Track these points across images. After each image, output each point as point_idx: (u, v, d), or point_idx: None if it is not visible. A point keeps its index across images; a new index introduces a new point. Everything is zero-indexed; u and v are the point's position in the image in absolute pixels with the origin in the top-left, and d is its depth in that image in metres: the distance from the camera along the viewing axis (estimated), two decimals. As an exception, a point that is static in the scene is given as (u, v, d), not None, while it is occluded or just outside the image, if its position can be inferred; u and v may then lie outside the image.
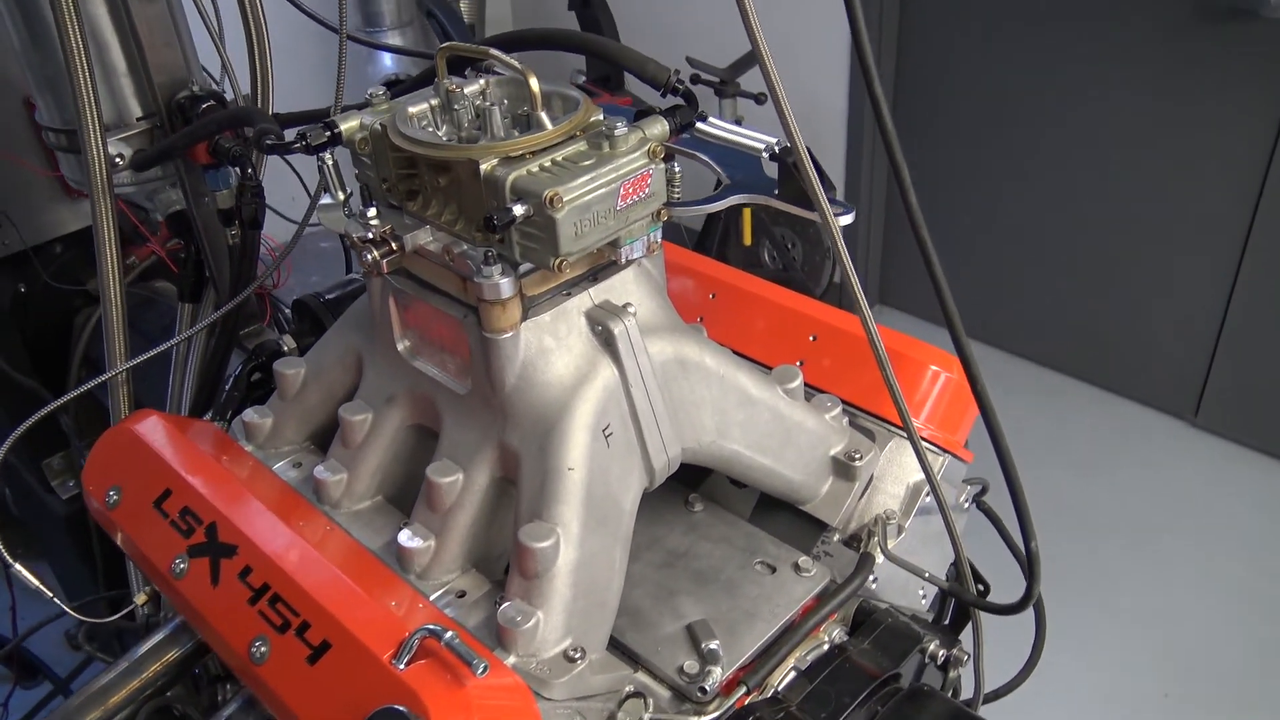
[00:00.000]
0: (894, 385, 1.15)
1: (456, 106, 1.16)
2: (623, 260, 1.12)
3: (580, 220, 1.03)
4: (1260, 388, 3.90)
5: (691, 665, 1.16)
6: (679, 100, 1.15)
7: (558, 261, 1.03)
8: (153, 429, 1.33)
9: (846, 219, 1.12)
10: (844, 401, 1.36)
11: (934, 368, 1.36)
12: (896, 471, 1.34)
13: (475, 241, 1.09)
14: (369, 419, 1.27)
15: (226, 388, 1.73)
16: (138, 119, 1.79)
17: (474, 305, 1.12)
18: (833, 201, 1.13)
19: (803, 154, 1.06)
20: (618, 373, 1.14)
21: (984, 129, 4.22)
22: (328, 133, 1.15)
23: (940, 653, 1.22)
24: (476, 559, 1.20)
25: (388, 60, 4.49)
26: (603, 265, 1.18)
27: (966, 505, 1.40)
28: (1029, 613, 1.25)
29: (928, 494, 1.34)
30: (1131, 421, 4.07)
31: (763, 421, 1.25)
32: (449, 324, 1.16)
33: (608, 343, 1.14)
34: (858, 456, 1.30)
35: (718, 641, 1.17)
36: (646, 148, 1.07)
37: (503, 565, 1.24)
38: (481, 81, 1.20)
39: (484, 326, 1.08)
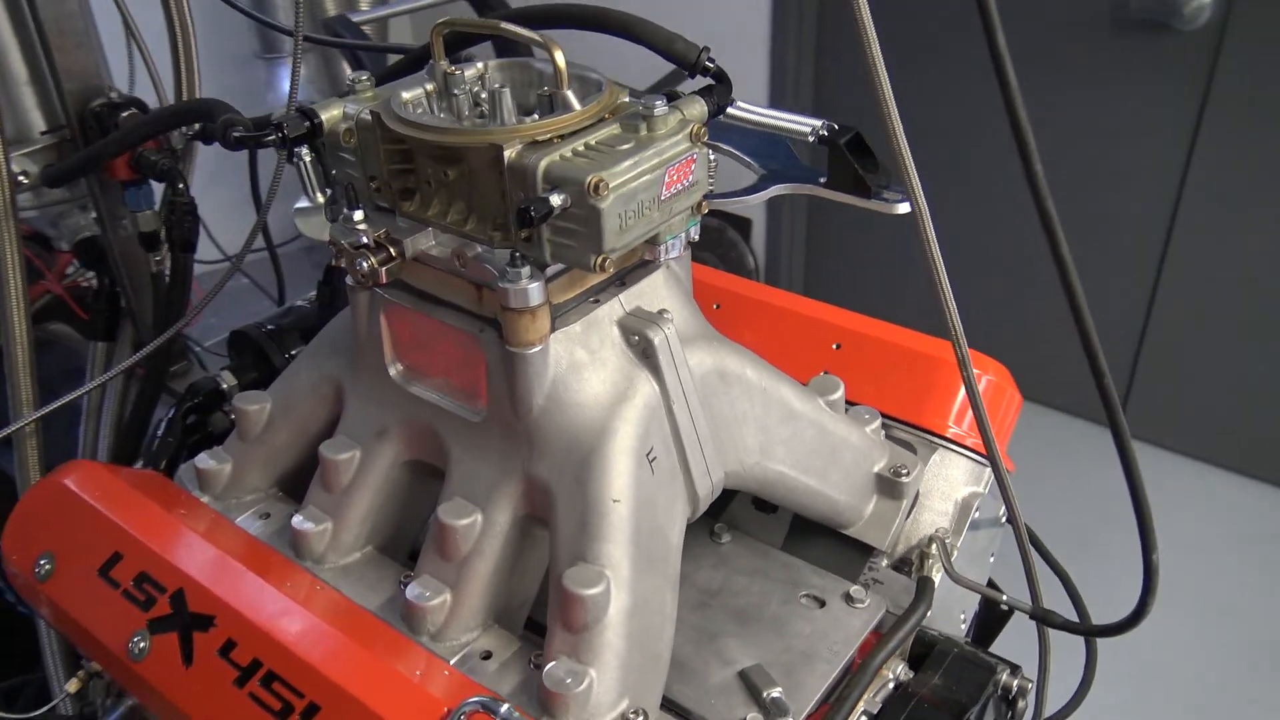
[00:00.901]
0: (982, 414, 1.03)
1: (456, 91, 1.01)
2: (660, 259, 0.98)
3: (625, 211, 0.89)
4: (1184, 393, 3.98)
5: (755, 718, 1.01)
6: (709, 80, 1.02)
7: (599, 259, 0.89)
8: (90, 481, 1.13)
9: (902, 206, 1.01)
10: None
11: (974, 371, 1.26)
12: (943, 486, 1.23)
13: (492, 242, 0.94)
14: (356, 457, 1.10)
15: (158, 434, 1.52)
16: (42, 133, 1.58)
17: (491, 317, 0.97)
18: (889, 188, 1.02)
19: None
20: (658, 388, 1.00)
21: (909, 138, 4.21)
22: (307, 122, 0.98)
23: (1013, 683, 1.10)
24: (497, 612, 1.03)
25: (287, 86, 4.25)
26: (630, 268, 1.04)
27: (1004, 519, 1.30)
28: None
29: (977, 508, 1.23)
30: (1059, 430, 4.10)
31: (807, 438, 1.13)
32: (458, 341, 1.00)
33: (646, 354, 1.00)
34: (904, 472, 1.18)
35: (779, 689, 1.03)
36: (688, 130, 0.94)
37: (524, 616, 1.08)
38: (479, 65, 1.06)
39: (508, 340, 0.93)
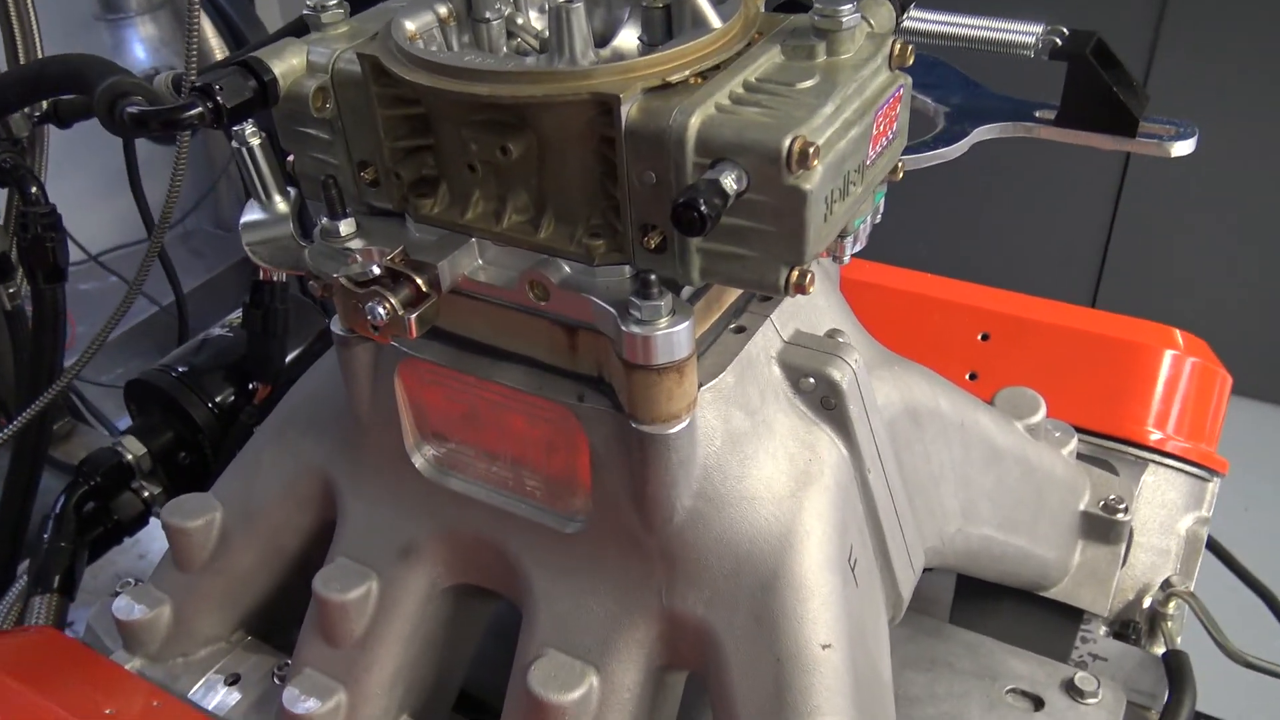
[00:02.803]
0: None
1: (488, 14, 0.63)
2: (846, 255, 0.62)
3: (831, 190, 0.53)
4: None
5: None
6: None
7: (794, 275, 0.54)
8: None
9: (1185, 146, 0.67)
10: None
11: (1170, 352, 0.94)
12: (1161, 516, 0.92)
13: (589, 257, 0.57)
14: (372, 591, 0.72)
15: (44, 535, 1.10)
16: None
17: (594, 375, 0.60)
18: (1153, 119, 0.68)
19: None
20: (848, 453, 0.65)
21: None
22: (253, 82, 0.59)
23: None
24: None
25: (140, 52, 3.69)
26: None
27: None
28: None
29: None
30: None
31: (1012, 484, 0.80)
32: (537, 415, 0.63)
33: (826, 405, 0.64)
34: (1120, 507, 0.86)
35: None
36: (885, 50, 0.58)
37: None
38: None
39: (638, 414, 0.57)
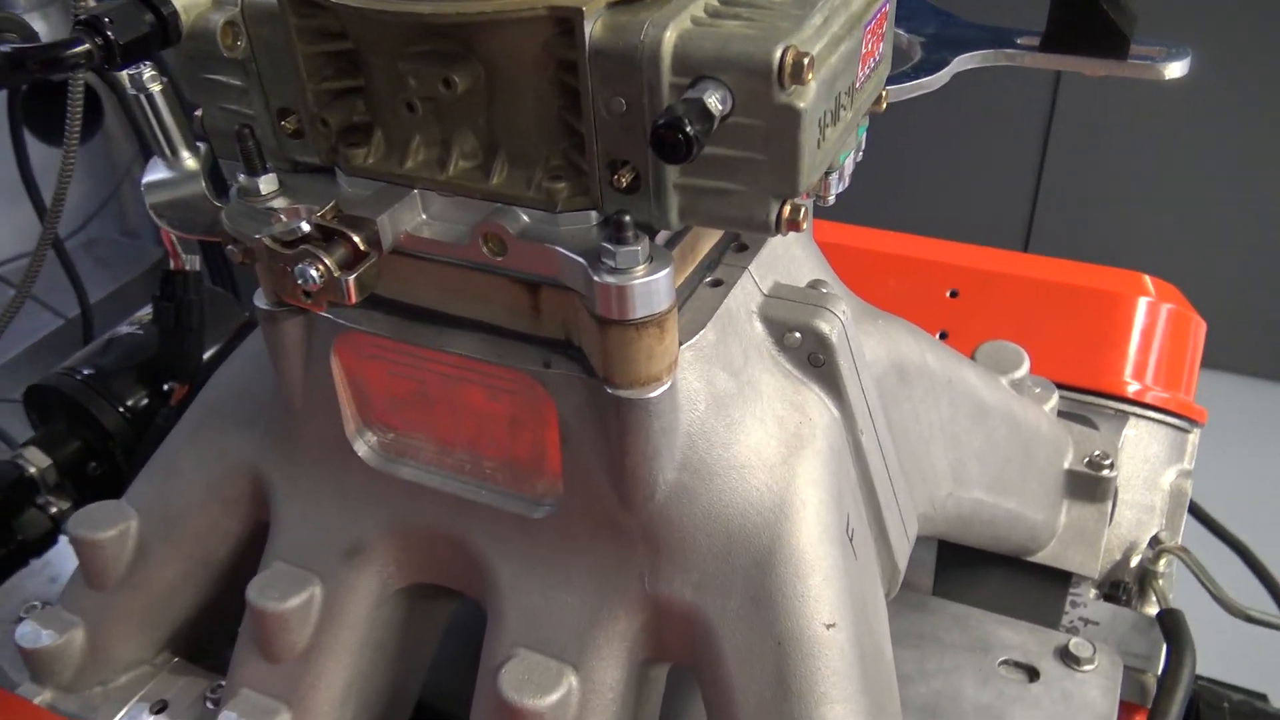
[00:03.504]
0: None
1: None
2: (831, 194, 0.57)
3: (824, 112, 0.47)
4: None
5: None
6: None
7: (785, 211, 0.48)
8: None
9: (1178, 67, 0.63)
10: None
11: (1144, 299, 0.91)
12: (1144, 470, 0.88)
13: (549, 202, 0.50)
14: (314, 598, 0.64)
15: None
16: None
17: (561, 338, 0.54)
18: (1140, 40, 0.63)
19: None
20: (839, 414, 0.59)
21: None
22: (150, 15, 0.51)
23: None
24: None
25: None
26: None
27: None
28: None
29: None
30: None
31: (999, 443, 0.76)
32: (496, 386, 0.56)
33: (814, 361, 0.59)
34: (1105, 463, 0.83)
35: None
36: (866, -40, 0.52)
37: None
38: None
39: (613, 377, 0.51)
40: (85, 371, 1.13)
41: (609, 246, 0.48)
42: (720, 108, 0.45)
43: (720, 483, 0.56)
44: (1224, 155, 2.62)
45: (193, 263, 1.09)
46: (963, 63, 0.66)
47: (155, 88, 0.55)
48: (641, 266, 0.49)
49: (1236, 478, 1.85)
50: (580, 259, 0.50)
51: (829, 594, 0.56)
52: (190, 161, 0.57)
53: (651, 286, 0.49)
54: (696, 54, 0.45)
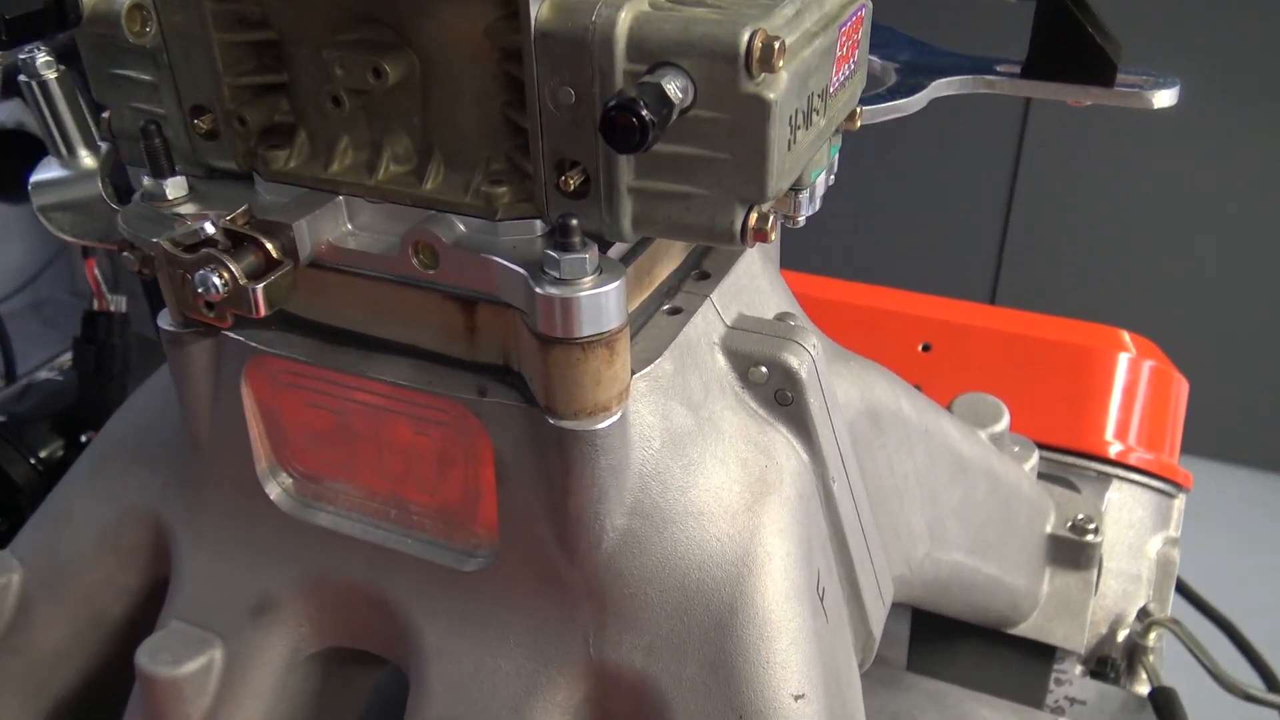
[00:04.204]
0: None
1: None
2: (801, 215, 0.52)
3: (795, 111, 0.43)
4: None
5: None
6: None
7: (750, 218, 0.43)
8: None
9: (1167, 96, 0.59)
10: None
11: (1124, 355, 0.87)
12: (1129, 536, 0.83)
13: (488, 209, 0.45)
14: (215, 661, 0.57)
15: None
16: None
17: (497, 364, 0.48)
18: (1130, 71, 0.60)
19: None
20: (809, 460, 0.54)
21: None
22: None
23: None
24: None
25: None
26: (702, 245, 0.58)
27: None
28: None
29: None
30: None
31: (979, 500, 0.70)
32: (424, 419, 0.50)
33: (781, 399, 0.53)
34: (1090, 528, 0.77)
35: None
36: (841, -39, 0.49)
37: None
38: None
39: (554, 406, 0.45)
40: (-6, 418, 1.05)
41: (553, 254, 0.43)
42: (680, 96, 0.40)
43: (676, 531, 0.50)
44: (1202, 204, 2.56)
45: (119, 303, 1.03)
46: (940, 88, 0.62)
47: (49, 75, 0.50)
48: (589, 278, 0.43)
49: (1213, 552, 1.81)
50: (521, 269, 0.44)
51: (797, 660, 0.49)
52: (88, 160, 0.51)
53: (600, 300, 0.43)
54: (655, 37, 0.41)
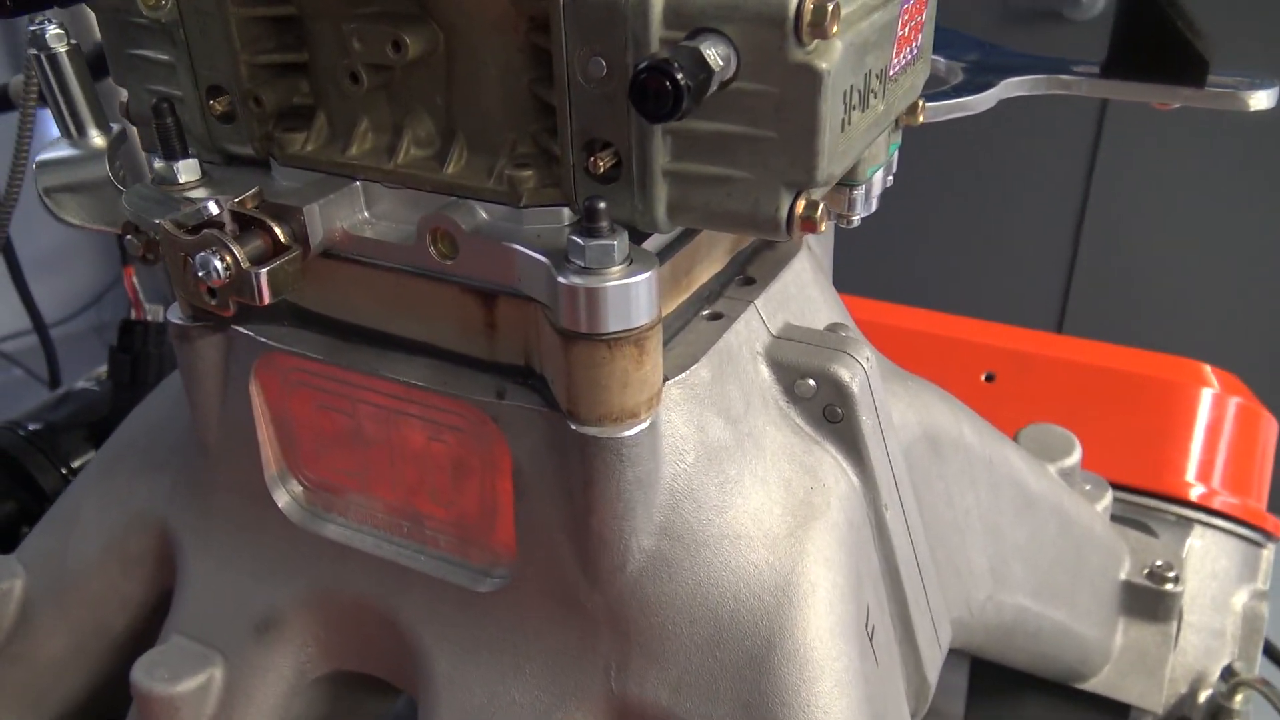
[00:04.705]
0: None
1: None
2: (855, 214, 0.47)
3: (850, 87, 0.38)
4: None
5: None
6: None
7: (799, 203, 0.38)
8: None
9: (1265, 97, 0.54)
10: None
11: (1208, 391, 0.81)
12: (1212, 588, 0.76)
13: (513, 194, 0.41)
14: (214, 680, 0.53)
15: None
16: None
17: (519, 364, 0.44)
18: (1222, 71, 0.55)
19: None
20: (860, 484, 0.49)
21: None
22: (54, -39, 0.43)
23: None
24: None
25: None
26: (749, 248, 0.54)
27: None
28: None
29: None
30: None
31: (1047, 540, 0.64)
32: (439, 423, 0.47)
33: (830, 416, 0.48)
34: (1169, 576, 0.71)
35: None
36: (905, -62, 0.44)
37: None
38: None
39: (577, 411, 0.41)
40: (30, 427, 1.04)
41: (577, 240, 0.39)
42: (720, 64, 0.36)
43: (709, 555, 0.45)
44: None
45: (156, 313, 1.01)
46: (1010, 87, 0.57)
47: (60, 48, 0.47)
48: (617, 267, 0.39)
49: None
50: (543, 258, 0.40)
51: (842, 705, 0.44)
52: (98, 139, 0.49)
53: (628, 292, 0.39)
54: (693, 2, 0.37)
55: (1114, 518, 0.78)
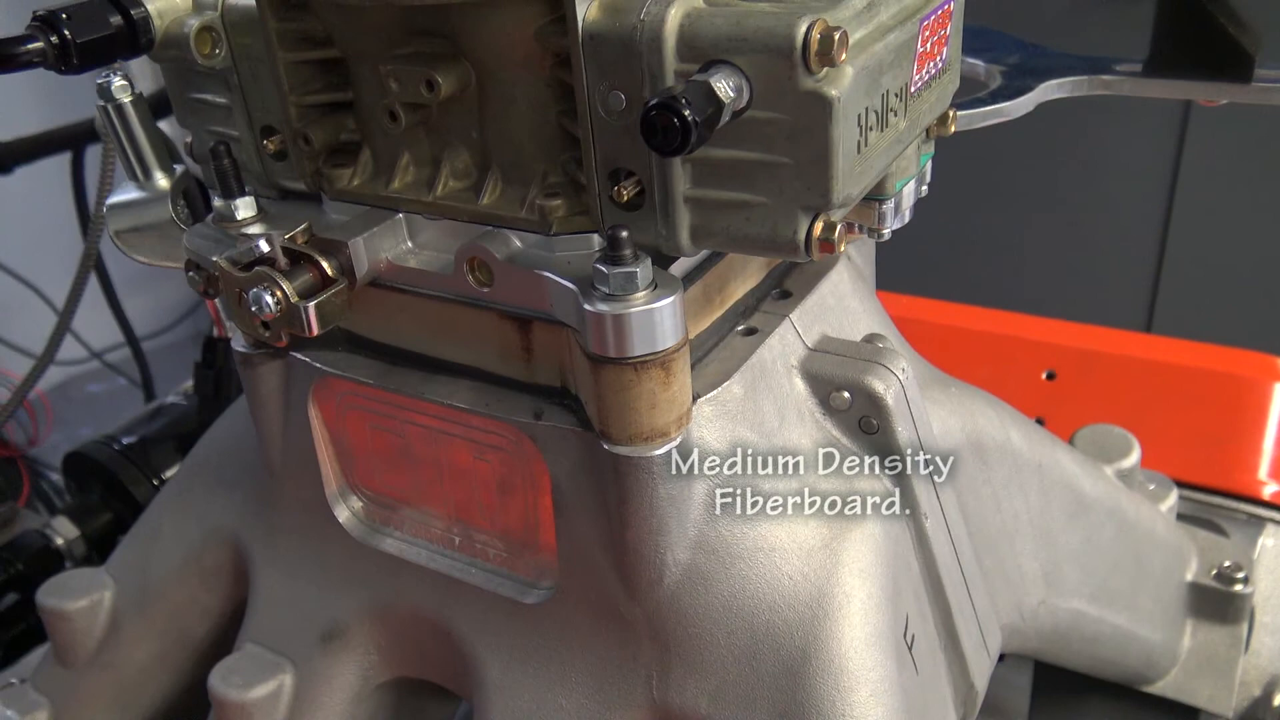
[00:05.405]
0: None
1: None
2: (886, 227, 0.48)
3: (865, 109, 0.39)
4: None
5: None
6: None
7: (816, 226, 0.39)
8: None
9: (1315, 90, 0.53)
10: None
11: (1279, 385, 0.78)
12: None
13: (544, 222, 0.43)
14: (284, 686, 0.56)
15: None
16: None
17: (555, 385, 0.46)
18: (1271, 65, 0.54)
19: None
20: (897, 494, 0.49)
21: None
22: (118, 17, 0.46)
23: None
24: None
25: None
26: (784, 261, 0.55)
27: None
28: None
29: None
30: None
31: (1104, 543, 0.64)
32: (482, 442, 0.48)
33: (867, 427, 0.49)
34: (1238, 576, 0.69)
35: None
36: (927, -47, 0.45)
37: None
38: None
39: (609, 431, 0.42)
40: (124, 440, 1.10)
41: (602, 269, 0.40)
42: (732, 95, 0.37)
43: (745, 568, 0.46)
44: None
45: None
46: (1049, 90, 0.57)
47: (124, 98, 0.51)
48: (642, 293, 0.40)
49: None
50: (572, 285, 0.42)
51: (878, 713, 0.45)
52: (164, 182, 0.52)
53: (654, 317, 0.40)
54: (707, 33, 0.38)
55: (1182, 517, 0.77)
